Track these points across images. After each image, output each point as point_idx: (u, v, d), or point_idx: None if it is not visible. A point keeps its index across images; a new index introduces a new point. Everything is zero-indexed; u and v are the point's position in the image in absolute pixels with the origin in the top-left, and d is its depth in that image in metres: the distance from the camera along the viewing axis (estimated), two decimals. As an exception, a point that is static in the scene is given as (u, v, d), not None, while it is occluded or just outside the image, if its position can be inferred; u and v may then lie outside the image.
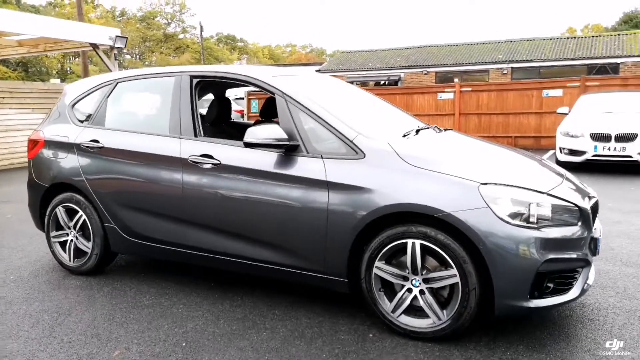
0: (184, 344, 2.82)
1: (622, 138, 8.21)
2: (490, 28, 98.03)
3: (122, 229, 3.67)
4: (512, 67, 21.57)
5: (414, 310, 2.77)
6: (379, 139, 2.96)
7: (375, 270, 2.81)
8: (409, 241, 2.69)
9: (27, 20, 8.27)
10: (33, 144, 4.14)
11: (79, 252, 3.95)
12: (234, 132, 4.15)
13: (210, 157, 3.26)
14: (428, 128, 3.60)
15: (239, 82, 3.56)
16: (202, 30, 31.42)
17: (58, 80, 41.81)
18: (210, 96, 4.46)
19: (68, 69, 55.22)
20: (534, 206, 2.54)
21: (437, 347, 2.68)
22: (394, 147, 2.85)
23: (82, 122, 3.94)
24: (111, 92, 3.88)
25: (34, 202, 4.14)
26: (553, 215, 2.58)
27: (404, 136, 3.20)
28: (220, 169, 3.22)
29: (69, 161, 3.87)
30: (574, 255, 2.61)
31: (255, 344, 2.79)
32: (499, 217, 2.51)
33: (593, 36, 23.51)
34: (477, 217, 2.52)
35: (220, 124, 3.96)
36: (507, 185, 2.62)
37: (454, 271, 2.60)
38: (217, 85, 4.27)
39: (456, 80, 22.66)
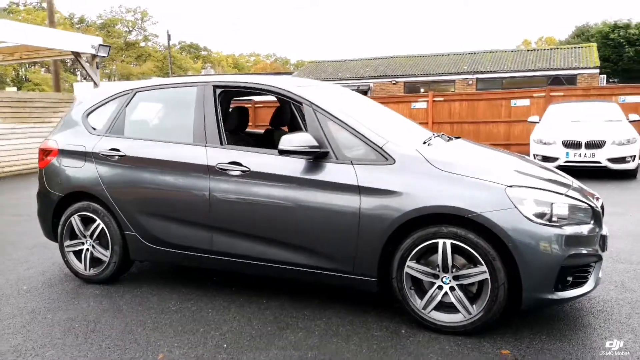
0: (225, 345, 2.91)
1: (592, 145, 8.73)
2: (450, 40, 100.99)
3: (143, 236, 3.71)
4: (476, 78, 22.40)
5: (443, 306, 2.96)
6: (407, 145, 3.15)
7: (406, 270, 2.98)
8: (440, 241, 2.88)
9: (6, 27, 8.06)
10: (45, 153, 4.13)
11: (94, 261, 3.95)
12: (251, 140, 4.26)
13: (239, 164, 3.37)
14: (438, 136, 3.82)
15: (264, 92, 3.68)
16: (169, 38, 31.13)
17: (15, 89, 40.36)
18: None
19: (24, 77, 53.36)
20: (556, 206, 2.78)
21: (468, 339, 2.87)
22: (422, 153, 3.05)
23: (98, 131, 3.96)
24: (129, 101, 3.92)
25: (45, 211, 4.12)
26: (570, 215, 2.82)
27: (424, 143, 3.40)
28: (250, 175, 3.33)
29: (86, 170, 3.88)
30: (589, 251, 2.86)
31: (295, 343, 2.90)
32: (525, 217, 2.73)
33: (551, 49, 24.72)
34: (506, 217, 2.74)
35: (238, 132, 4.07)
36: (531, 187, 2.86)
37: (484, 268, 2.80)
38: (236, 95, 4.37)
39: (422, 90, 23.33)
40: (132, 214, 3.72)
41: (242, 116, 4.08)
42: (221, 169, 3.41)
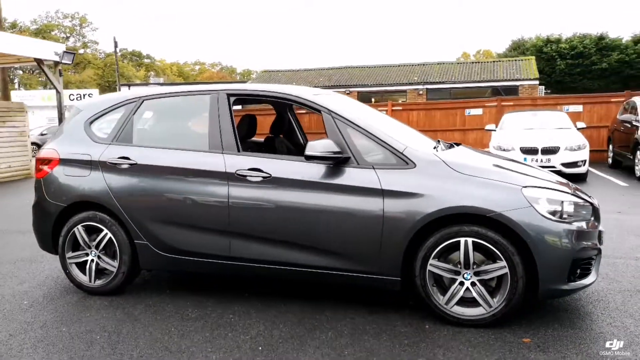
0: (260, 348, 2.96)
1: (547, 151, 9.36)
2: (393, 51, 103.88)
3: (155, 244, 3.69)
4: (426, 88, 23.29)
5: (464, 300, 3.15)
6: (425, 150, 3.34)
7: (429, 268, 3.16)
8: (462, 239, 3.08)
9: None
10: (43, 162, 4.00)
11: (99, 272, 3.87)
12: (255, 147, 4.32)
13: (260, 170, 3.43)
14: (439, 142, 4.04)
15: (279, 101, 3.77)
16: (116, 46, 29.95)
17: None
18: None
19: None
20: (566, 204, 3.06)
21: (489, 330, 3.07)
22: (441, 157, 3.25)
23: (104, 139, 3.90)
24: (136, 109, 3.89)
25: (44, 222, 3.98)
26: (576, 212, 3.11)
27: (434, 148, 3.60)
28: (271, 181, 3.41)
29: (92, 179, 3.81)
30: (592, 245, 3.15)
31: (328, 342, 3.00)
32: (541, 215, 2.98)
33: (494, 61, 26.13)
34: (524, 215, 2.98)
35: (246, 139, 4.12)
36: (543, 187, 3.12)
37: (503, 263, 3.02)
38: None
39: (373, 100, 23.93)
40: (144, 222, 3.68)
41: (252, 124, 4.15)
42: (241, 175, 3.46)
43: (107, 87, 58.28)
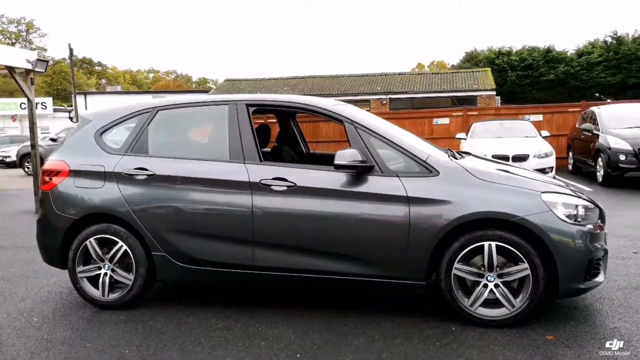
0: (298, 355, 2.99)
1: (518, 158, 9.80)
2: (350, 61, 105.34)
3: (175, 256, 3.65)
4: (389, 98, 23.82)
5: (487, 302, 3.30)
6: (445, 158, 3.49)
7: (454, 271, 3.29)
8: (486, 243, 3.23)
9: None
10: (51, 174, 3.88)
11: (112, 286, 3.79)
12: (266, 156, 4.34)
13: (284, 179, 3.48)
14: (449, 151, 4.20)
15: (299, 111, 3.83)
16: (71, 53, 28.83)
17: None
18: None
19: None
20: (580, 208, 3.27)
21: (512, 330, 3.23)
22: (462, 165, 3.40)
23: (117, 150, 3.83)
24: (151, 120, 3.85)
25: (52, 236, 3.86)
26: (586, 215, 3.32)
27: (449, 156, 3.75)
28: (296, 190, 3.45)
29: (106, 190, 3.73)
30: (601, 246, 3.37)
31: (363, 347, 3.07)
32: (559, 218, 3.18)
33: (452, 72, 27.06)
34: (544, 219, 3.16)
35: (262, 149, 4.14)
36: (559, 192, 3.32)
37: (526, 265, 3.20)
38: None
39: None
40: (162, 233, 3.64)
41: (267, 134, 4.18)
42: (265, 184, 3.49)
43: (56, 95, 56.13)
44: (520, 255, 3.20)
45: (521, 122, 11.78)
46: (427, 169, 3.37)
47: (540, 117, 13.76)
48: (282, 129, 4.71)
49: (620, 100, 23.83)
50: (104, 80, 73.12)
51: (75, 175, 3.82)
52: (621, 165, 9.25)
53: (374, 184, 3.38)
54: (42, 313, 3.79)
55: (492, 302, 3.29)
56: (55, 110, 34.01)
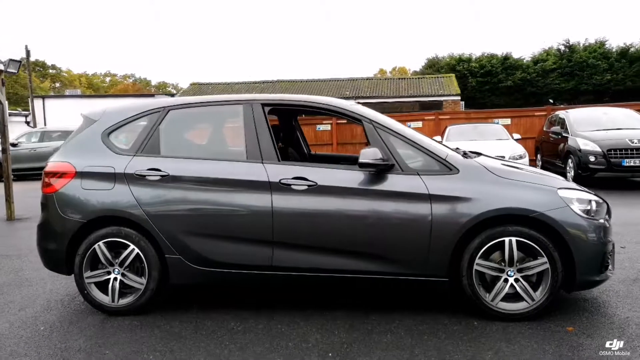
0: (330, 354, 2.97)
1: (494, 160, 10.08)
2: (314, 66, 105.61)
3: (190, 258, 3.56)
4: (358, 102, 24.00)
5: (508, 296, 3.38)
6: (462, 157, 3.56)
7: (475, 267, 3.35)
8: (506, 239, 3.31)
9: None
10: (54, 176, 3.72)
11: (122, 291, 3.66)
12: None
13: (304, 179, 3.46)
14: (458, 149, 4.26)
15: (317, 111, 3.82)
16: (28, 55, 27.59)
17: None
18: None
19: None
20: (593, 203, 3.40)
21: (533, 323, 3.31)
22: (481, 163, 3.48)
23: (126, 150, 3.71)
24: (162, 119, 3.75)
25: (57, 241, 3.68)
26: (598, 209, 3.46)
27: (464, 155, 3.82)
28: (317, 189, 3.44)
29: (117, 192, 3.61)
30: (611, 239, 3.52)
31: (393, 344, 3.08)
32: (576, 213, 3.30)
33: (418, 78, 27.63)
34: (562, 214, 3.27)
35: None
36: (573, 189, 3.45)
37: (545, 259, 3.29)
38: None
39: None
40: (177, 236, 3.55)
41: (277, 135, 4.15)
42: (285, 184, 3.46)
43: (7, 99, 53.68)
44: (540, 249, 3.29)
45: (493, 125, 12.15)
46: (447, 167, 3.43)
47: (508, 121, 14.24)
48: (285, 130, 4.69)
49: (573, 105, 24.92)
50: (57, 84, 70.58)
51: (82, 177, 3.67)
52: (591, 166, 9.67)
53: (395, 182, 3.41)
54: (48, 322, 3.61)
55: (511, 297, 3.38)
56: (9, 115, 32.52)
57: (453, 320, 3.41)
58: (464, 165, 3.44)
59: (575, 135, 10.38)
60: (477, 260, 3.35)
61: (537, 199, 3.32)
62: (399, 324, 3.39)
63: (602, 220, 3.41)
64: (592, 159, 9.67)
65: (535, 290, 3.35)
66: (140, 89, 64.88)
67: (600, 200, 3.54)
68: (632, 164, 9.39)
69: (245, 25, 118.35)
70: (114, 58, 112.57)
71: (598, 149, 9.66)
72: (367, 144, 3.66)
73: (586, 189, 3.61)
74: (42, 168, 3.78)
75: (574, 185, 3.58)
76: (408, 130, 3.71)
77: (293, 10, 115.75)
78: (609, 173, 9.59)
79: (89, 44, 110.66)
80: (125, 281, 3.64)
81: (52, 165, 3.78)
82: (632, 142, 9.50)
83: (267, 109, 3.71)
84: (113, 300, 3.64)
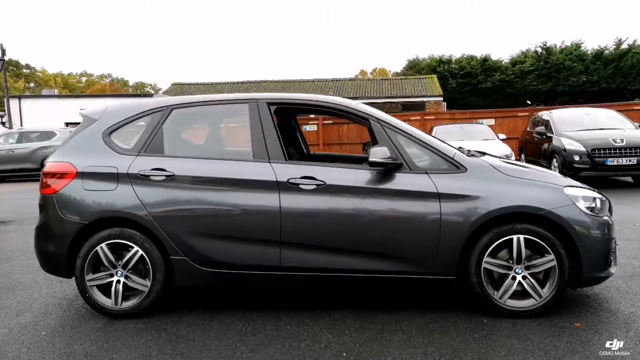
0: (344, 354, 2.96)
1: (482, 160, 10.21)
2: (294, 67, 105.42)
3: (195, 259, 3.51)
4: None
5: (515, 293, 3.40)
6: (470, 155, 3.58)
7: (484, 265, 3.37)
8: (515, 237, 3.34)
9: None
10: (55, 176, 3.62)
11: (124, 294, 3.58)
12: None
13: (313, 178, 3.44)
14: (461, 148, 4.28)
15: (322, 110, 3.80)
16: (4, 54, 26.78)
17: None
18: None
19: None
20: (597, 201, 3.46)
21: (540, 319, 3.35)
22: (489, 162, 3.50)
23: (129, 150, 3.64)
24: (165, 119, 3.68)
25: (57, 243, 3.59)
26: (601, 207, 3.52)
27: (468, 153, 3.85)
28: (326, 189, 3.42)
29: (120, 192, 3.53)
30: (614, 237, 3.58)
31: (406, 342, 3.08)
32: (582, 211, 3.35)
33: (401, 79, 27.84)
34: (569, 212, 3.32)
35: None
36: (578, 187, 3.50)
37: (552, 256, 3.33)
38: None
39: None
40: (182, 236, 3.49)
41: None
42: (293, 183, 3.44)
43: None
44: (547, 247, 3.33)
45: (479, 125, 12.30)
46: (455, 166, 3.45)
47: (492, 122, 14.43)
48: (285, 130, 4.65)
49: (550, 106, 25.42)
50: (32, 84, 69.04)
51: (84, 177, 3.58)
52: (576, 165, 9.85)
53: (404, 181, 3.42)
54: (49, 326, 3.51)
55: (519, 294, 3.41)
56: (-17, 115, 31.76)
57: (462, 318, 3.43)
58: (471, 164, 3.46)
59: (559, 135, 10.57)
60: (485, 258, 3.37)
61: (545, 196, 3.35)
62: (409, 322, 3.39)
63: (605, 218, 3.46)
64: (576, 158, 9.86)
65: (542, 287, 3.39)
66: (117, 89, 63.90)
67: (604, 198, 3.60)
68: (615, 163, 9.61)
69: (226, 25, 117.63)
70: (90, 58, 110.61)
71: (582, 149, 9.85)
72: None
73: (589, 187, 3.67)
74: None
75: (577, 183, 3.64)
76: (414, 129, 3.72)
77: (274, 11, 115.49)
78: (593, 172, 9.78)
79: (64, 43, 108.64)
80: (129, 283, 3.56)
81: (51, 165, 3.68)
82: (615, 142, 9.72)
83: (272, 108, 3.67)
84: (116, 303, 3.55)
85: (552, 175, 3.68)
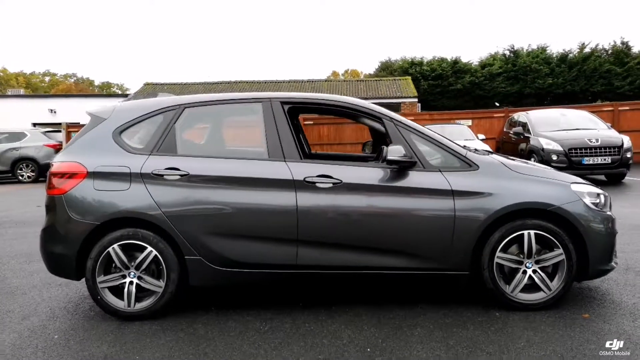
0: (368, 350, 3.00)
1: (464, 160, 10.43)
2: (266, 68, 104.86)
3: (211, 259, 3.49)
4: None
5: (525, 287, 3.52)
6: (481, 154, 3.68)
7: (496, 260, 3.47)
8: (525, 232, 3.45)
9: None
10: (64, 176, 3.54)
11: (137, 295, 3.53)
12: None
13: (329, 176, 3.47)
14: (466, 147, 4.38)
15: (337, 109, 3.83)
16: (-34, 51, 25.62)
17: None
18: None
19: None
20: (601, 196, 3.61)
21: (550, 312, 3.47)
22: (499, 160, 3.61)
23: (141, 149, 3.59)
24: (177, 118, 3.65)
25: (67, 245, 3.50)
26: (604, 202, 3.67)
27: (475, 151, 3.95)
28: (342, 187, 3.46)
29: (133, 192, 3.48)
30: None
31: (427, 336, 3.14)
32: (588, 206, 3.49)
33: (375, 80, 28.08)
34: (577, 207, 3.45)
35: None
36: (584, 183, 3.64)
37: (560, 251, 3.46)
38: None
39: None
40: (197, 236, 3.47)
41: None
42: (310, 182, 3.46)
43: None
44: (556, 241, 3.45)
45: (459, 126, 12.55)
46: (467, 164, 3.54)
47: (469, 122, 14.74)
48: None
49: (518, 107, 26.12)
50: (-3, 84, 66.59)
51: (95, 177, 3.51)
52: (553, 164, 10.16)
53: (419, 179, 3.48)
54: (60, 330, 3.43)
55: (529, 287, 3.52)
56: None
57: (474, 312, 3.52)
58: (483, 162, 3.56)
59: (537, 136, 10.90)
60: (497, 254, 3.47)
61: (553, 193, 3.48)
62: (425, 318, 3.46)
63: (609, 213, 3.62)
64: (554, 157, 10.19)
65: (551, 280, 3.51)
66: (83, 89, 62.27)
67: (606, 194, 3.76)
68: (591, 162, 9.98)
69: (196, 26, 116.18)
70: (53, 57, 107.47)
71: (560, 148, 10.19)
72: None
73: (592, 184, 3.83)
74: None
75: (581, 179, 3.78)
76: (425, 128, 3.80)
77: (245, 11, 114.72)
78: (570, 171, 10.10)
79: (25, 42, 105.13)
80: (142, 284, 3.51)
81: (59, 165, 3.59)
82: (591, 142, 10.10)
83: (286, 107, 3.69)
84: (129, 305, 3.50)
85: (558, 172, 3.81)
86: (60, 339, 3.28)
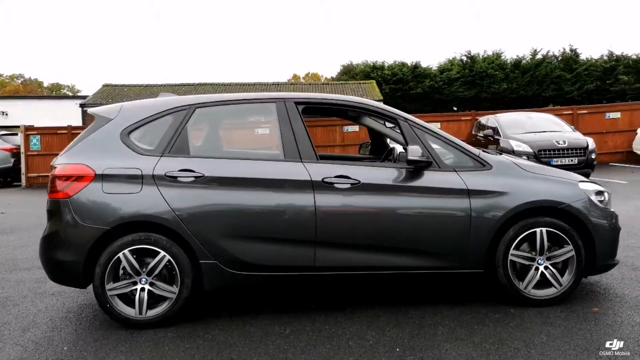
0: (397, 350, 2.99)
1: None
2: (225, 71, 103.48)
3: (227, 263, 3.40)
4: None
5: (537, 283, 3.60)
6: (493, 154, 3.75)
7: (510, 257, 3.55)
8: (538, 229, 3.54)
9: None
10: (70, 179, 3.36)
11: (151, 301, 3.40)
12: None
13: (347, 177, 3.45)
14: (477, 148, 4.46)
15: (351, 110, 3.81)
16: None
17: None
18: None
19: None
20: (605, 194, 3.75)
21: (562, 306, 3.56)
22: (511, 160, 3.69)
23: (151, 151, 3.45)
24: (189, 118, 3.54)
25: (74, 251, 3.32)
26: (608, 200, 3.82)
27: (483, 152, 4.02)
28: (360, 187, 3.45)
29: (145, 195, 3.34)
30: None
31: (452, 334, 3.16)
32: (595, 204, 3.62)
33: (341, 83, 28.27)
34: (585, 205, 3.57)
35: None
36: (590, 182, 3.77)
37: (570, 247, 3.57)
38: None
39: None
40: (213, 239, 3.37)
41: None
42: (328, 182, 3.43)
43: None
44: (566, 238, 3.56)
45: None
46: (481, 164, 3.61)
47: (438, 125, 15.04)
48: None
49: (475, 111, 26.94)
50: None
51: (103, 180, 3.35)
52: (524, 165, 10.52)
53: (435, 178, 3.52)
54: (68, 341, 3.25)
55: (540, 283, 3.61)
56: None
57: (490, 310, 3.57)
58: (496, 162, 3.63)
59: (507, 138, 11.24)
60: (511, 251, 3.54)
61: (563, 191, 3.59)
62: (442, 316, 3.48)
63: (612, 209, 3.76)
64: (524, 158, 10.52)
65: (562, 276, 3.61)
66: (32, 90, 59.62)
67: (609, 191, 3.91)
68: (559, 163, 10.37)
69: (155, 27, 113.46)
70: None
71: (530, 150, 10.54)
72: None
73: (595, 182, 3.97)
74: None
75: (585, 178, 3.92)
76: (438, 129, 3.84)
77: (205, 13, 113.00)
78: (539, 172, 10.49)
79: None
80: (155, 291, 3.38)
81: (63, 167, 3.41)
82: (558, 144, 10.51)
83: (300, 107, 3.65)
84: (140, 312, 3.36)
85: (565, 171, 3.94)
86: (71, 350, 3.11)
